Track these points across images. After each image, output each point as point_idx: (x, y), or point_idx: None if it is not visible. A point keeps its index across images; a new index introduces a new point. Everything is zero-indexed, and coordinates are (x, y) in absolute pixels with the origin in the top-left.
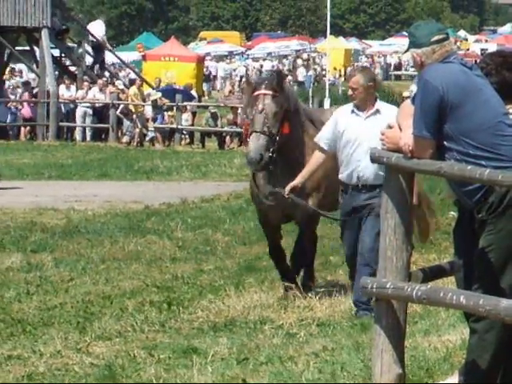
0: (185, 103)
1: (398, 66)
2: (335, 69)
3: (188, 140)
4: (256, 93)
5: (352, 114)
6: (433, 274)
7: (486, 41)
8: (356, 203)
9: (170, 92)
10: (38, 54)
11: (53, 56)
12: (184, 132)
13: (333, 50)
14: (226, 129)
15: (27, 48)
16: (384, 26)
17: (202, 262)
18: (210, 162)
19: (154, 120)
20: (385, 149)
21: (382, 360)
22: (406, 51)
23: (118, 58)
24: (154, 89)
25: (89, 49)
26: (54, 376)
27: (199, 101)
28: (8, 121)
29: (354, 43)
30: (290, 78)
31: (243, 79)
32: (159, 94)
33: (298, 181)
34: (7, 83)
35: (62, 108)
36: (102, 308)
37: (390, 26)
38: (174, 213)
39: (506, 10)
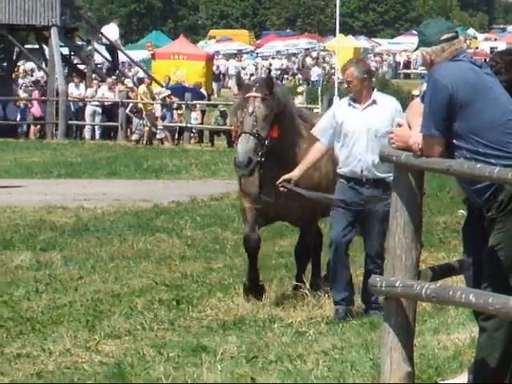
0: (194, 101)
1: (407, 65)
2: None
3: (197, 138)
4: (246, 95)
5: (349, 106)
6: (442, 272)
7: (496, 39)
8: (357, 197)
9: (179, 90)
10: (47, 52)
11: (62, 54)
12: (193, 130)
13: (342, 49)
14: None
15: (36, 46)
16: (393, 24)
17: (211, 260)
18: (219, 161)
19: (163, 118)
20: (394, 147)
21: (391, 358)
22: (415, 50)
23: (128, 56)
24: (163, 87)
25: (98, 47)
26: (63, 374)
27: (209, 99)
28: (18, 119)
29: (363, 42)
30: (299, 76)
31: (252, 78)
32: (168, 92)
33: (294, 173)
34: (20, 81)
35: (72, 106)
36: (111, 306)
37: (399, 25)
38: (183, 211)
39: None
